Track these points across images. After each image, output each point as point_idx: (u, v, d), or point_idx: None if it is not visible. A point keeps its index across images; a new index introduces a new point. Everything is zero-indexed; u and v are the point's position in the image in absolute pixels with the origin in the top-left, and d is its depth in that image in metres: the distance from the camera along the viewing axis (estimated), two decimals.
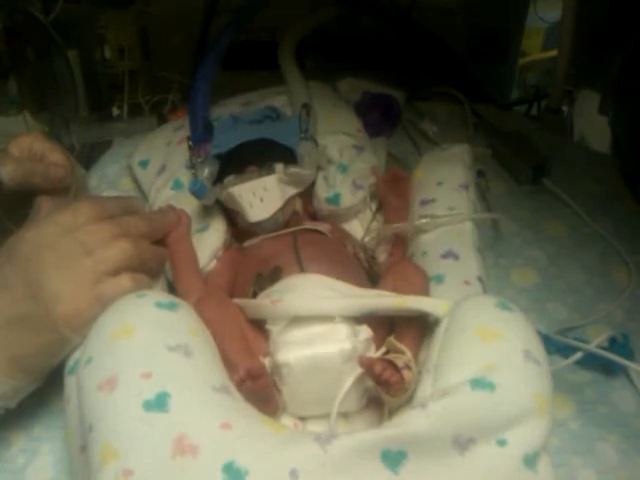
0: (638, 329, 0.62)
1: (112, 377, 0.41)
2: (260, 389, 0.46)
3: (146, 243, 0.56)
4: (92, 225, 0.53)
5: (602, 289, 0.67)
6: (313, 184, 0.68)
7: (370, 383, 0.48)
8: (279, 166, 0.61)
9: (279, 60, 0.87)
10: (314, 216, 0.69)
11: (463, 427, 0.40)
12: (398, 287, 0.54)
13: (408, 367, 0.47)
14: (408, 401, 0.47)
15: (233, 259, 0.62)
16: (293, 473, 0.38)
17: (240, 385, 0.45)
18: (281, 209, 0.61)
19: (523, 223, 0.74)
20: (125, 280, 0.52)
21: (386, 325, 0.52)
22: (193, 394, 0.41)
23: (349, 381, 0.48)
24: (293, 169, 0.62)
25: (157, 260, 0.58)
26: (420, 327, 0.52)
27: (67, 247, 0.51)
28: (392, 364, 0.47)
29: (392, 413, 0.49)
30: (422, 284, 0.56)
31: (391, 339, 0.50)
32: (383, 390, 0.47)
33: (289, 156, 0.63)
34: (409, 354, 0.49)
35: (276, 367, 0.48)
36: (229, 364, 0.47)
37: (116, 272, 0.52)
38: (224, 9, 0.94)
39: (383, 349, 0.51)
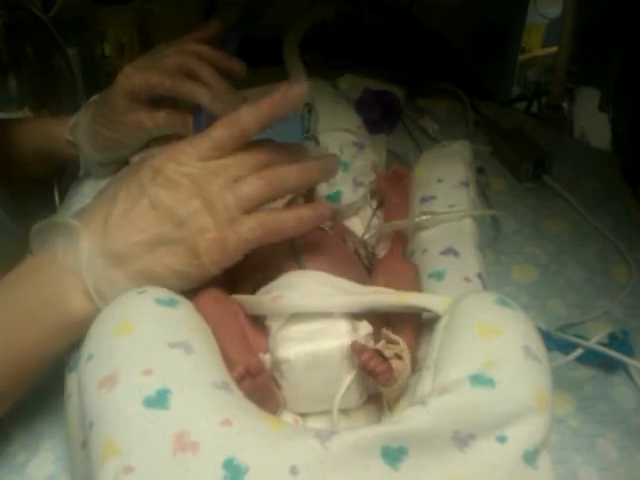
0: (638, 326, 0.62)
1: (113, 374, 0.41)
2: (259, 387, 0.46)
3: (294, 170, 0.53)
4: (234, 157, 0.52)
5: (602, 286, 0.67)
6: None
7: (371, 379, 0.48)
8: None
9: (284, 57, 0.87)
10: None
11: (463, 423, 0.40)
12: (390, 281, 0.54)
13: (398, 357, 0.47)
14: (405, 393, 0.47)
15: None
16: (293, 469, 0.38)
17: (239, 383, 0.45)
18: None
19: (523, 220, 0.74)
20: (269, 219, 0.51)
21: (385, 320, 0.52)
22: (193, 391, 0.41)
23: (349, 377, 0.48)
24: None
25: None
26: (416, 321, 0.52)
27: (205, 176, 0.51)
28: (379, 354, 0.47)
29: (392, 408, 0.49)
30: (412, 277, 0.56)
31: (385, 330, 0.50)
32: (374, 380, 0.47)
33: None
34: (403, 343, 0.49)
35: (276, 363, 0.48)
36: (228, 362, 0.47)
37: (256, 208, 0.51)
38: (224, 2, 0.94)
39: (382, 342, 0.51)
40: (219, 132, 0.52)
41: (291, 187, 0.54)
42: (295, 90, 0.53)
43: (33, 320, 0.50)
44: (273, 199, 0.53)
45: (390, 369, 0.46)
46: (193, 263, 0.50)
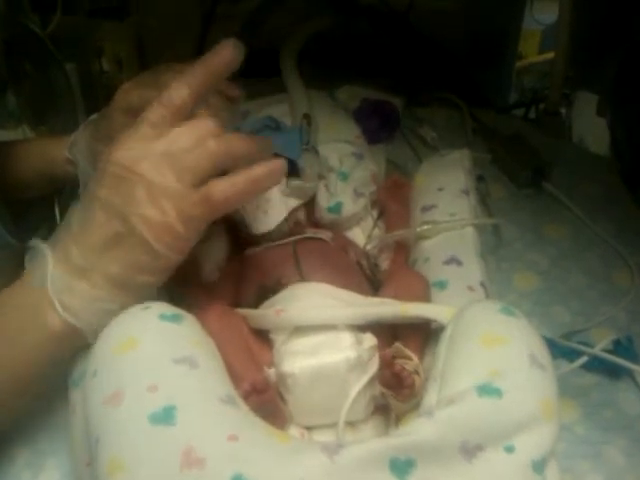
0: None
1: (118, 391, 0.41)
2: (265, 402, 0.46)
3: (237, 138, 0.51)
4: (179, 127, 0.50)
5: (605, 292, 0.67)
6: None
7: (376, 391, 0.48)
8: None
9: (281, 68, 0.87)
10: (317, 224, 0.69)
11: (470, 434, 0.40)
12: (400, 295, 0.54)
13: (417, 372, 0.47)
14: (415, 407, 0.47)
15: (235, 269, 0.62)
16: None
17: (245, 399, 0.45)
18: (285, 219, 0.61)
19: (524, 227, 0.74)
20: (214, 189, 0.49)
21: (389, 332, 0.52)
22: (199, 406, 0.41)
23: (355, 390, 0.48)
24: (295, 183, 0.62)
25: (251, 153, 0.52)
26: (423, 333, 0.52)
27: (146, 163, 0.49)
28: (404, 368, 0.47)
29: (399, 420, 0.49)
30: (423, 291, 0.56)
31: (398, 345, 0.50)
32: (392, 395, 0.47)
33: (290, 168, 0.63)
34: (416, 360, 0.49)
35: (281, 377, 0.48)
36: (234, 376, 0.47)
37: (203, 181, 0.49)
38: (222, 16, 0.95)
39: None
40: (154, 110, 0.51)
41: (239, 155, 0.51)
42: (224, 48, 0.51)
43: (18, 340, 0.50)
44: (220, 169, 0.50)
45: (414, 384, 0.46)
46: (149, 253, 0.49)
